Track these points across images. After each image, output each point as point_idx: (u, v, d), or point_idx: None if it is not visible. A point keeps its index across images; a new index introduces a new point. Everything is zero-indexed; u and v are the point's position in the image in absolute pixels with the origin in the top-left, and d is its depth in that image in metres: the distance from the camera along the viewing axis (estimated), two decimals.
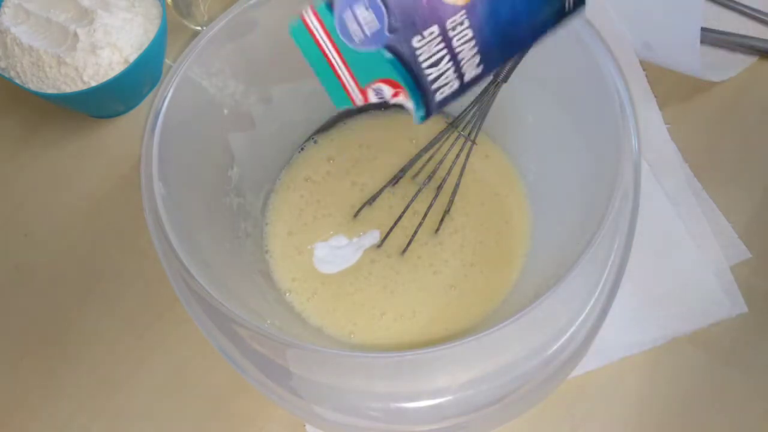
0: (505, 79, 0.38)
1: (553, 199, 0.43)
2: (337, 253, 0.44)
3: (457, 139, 0.43)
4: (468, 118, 0.41)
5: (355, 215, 0.45)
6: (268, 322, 0.36)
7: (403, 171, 0.45)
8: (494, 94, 0.39)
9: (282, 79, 0.44)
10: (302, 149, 0.48)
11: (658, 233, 0.44)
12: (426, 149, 0.44)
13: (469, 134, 0.42)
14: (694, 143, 0.48)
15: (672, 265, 0.44)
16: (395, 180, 0.45)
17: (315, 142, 0.48)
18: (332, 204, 0.46)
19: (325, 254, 0.44)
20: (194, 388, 0.43)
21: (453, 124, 0.43)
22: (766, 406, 0.40)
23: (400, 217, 0.44)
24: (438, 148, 0.44)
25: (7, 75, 0.47)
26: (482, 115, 0.41)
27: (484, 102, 0.40)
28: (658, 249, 0.44)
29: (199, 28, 0.54)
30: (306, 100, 0.46)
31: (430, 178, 0.44)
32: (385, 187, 0.45)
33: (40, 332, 0.45)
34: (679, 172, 0.47)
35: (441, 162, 0.44)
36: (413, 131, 0.48)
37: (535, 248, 0.43)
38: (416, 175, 0.46)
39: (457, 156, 0.43)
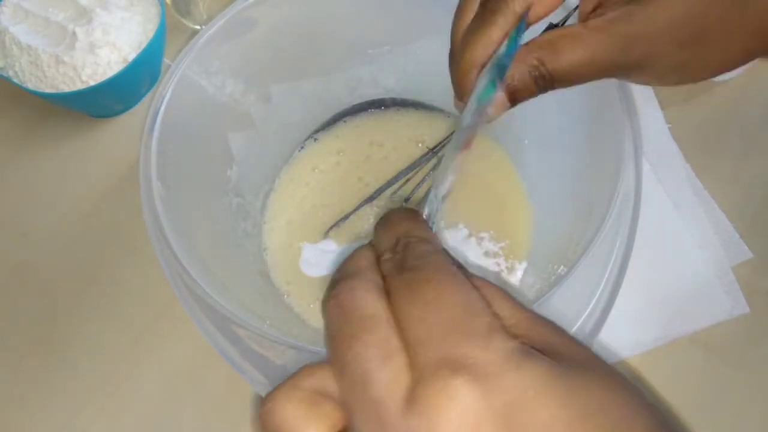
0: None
1: (553, 200, 0.43)
2: (326, 257, 0.44)
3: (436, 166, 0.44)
4: (445, 143, 0.44)
5: (326, 234, 0.45)
6: (268, 322, 0.35)
7: (379, 191, 0.45)
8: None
9: (281, 78, 0.44)
10: (302, 148, 0.48)
11: (659, 234, 0.44)
12: (404, 173, 0.45)
13: None
14: (696, 143, 0.48)
15: (673, 265, 0.44)
16: (370, 199, 0.45)
17: (315, 140, 0.48)
18: (332, 204, 0.46)
19: (311, 256, 0.44)
20: (193, 389, 0.42)
21: (434, 151, 0.46)
22: None
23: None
24: (416, 173, 0.45)
25: (5, 74, 0.47)
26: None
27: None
28: (659, 249, 0.44)
29: (198, 27, 0.54)
30: (305, 98, 0.46)
31: (407, 199, 0.45)
32: (360, 206, 0.45)
33: (39, 332, 0.45)
34: (680, 172, 0.47)
35: (420, 184, 0.45)
36: (420, 132, 0.48)
37: (536, 248, 0.43)
38: (394, 193, 0.46)
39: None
